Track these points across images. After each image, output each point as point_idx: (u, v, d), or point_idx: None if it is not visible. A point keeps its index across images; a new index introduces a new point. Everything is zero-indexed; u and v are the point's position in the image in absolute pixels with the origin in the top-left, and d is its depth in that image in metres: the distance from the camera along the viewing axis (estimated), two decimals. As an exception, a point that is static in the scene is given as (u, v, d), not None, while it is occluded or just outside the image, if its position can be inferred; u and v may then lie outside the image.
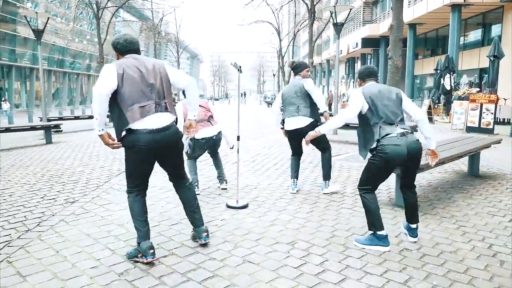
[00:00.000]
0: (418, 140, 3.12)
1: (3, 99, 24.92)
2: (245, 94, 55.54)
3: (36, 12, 10.37)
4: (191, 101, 3.00)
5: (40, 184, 5.22)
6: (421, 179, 5.36)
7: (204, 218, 3.77)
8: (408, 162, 3.11)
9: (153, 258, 2.78)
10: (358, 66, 38.89)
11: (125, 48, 2.85)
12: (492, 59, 13.74)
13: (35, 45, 29.68)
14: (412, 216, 3.26)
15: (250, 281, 2.56)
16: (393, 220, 3.76)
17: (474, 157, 5.73)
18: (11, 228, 3.52)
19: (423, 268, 2.76)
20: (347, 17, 12.81)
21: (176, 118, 2.95)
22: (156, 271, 2.68)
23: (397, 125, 3.07)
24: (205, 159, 6.99)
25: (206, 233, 3.12)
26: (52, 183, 5.27)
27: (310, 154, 6.98)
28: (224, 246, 3.12)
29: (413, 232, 3.27)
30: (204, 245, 3.11)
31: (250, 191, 4.83)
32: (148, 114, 2.72)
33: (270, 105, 30.34)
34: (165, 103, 2.83)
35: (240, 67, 3.94)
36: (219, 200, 4.43)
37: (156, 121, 2.75)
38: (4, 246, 3.10)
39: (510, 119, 13.67)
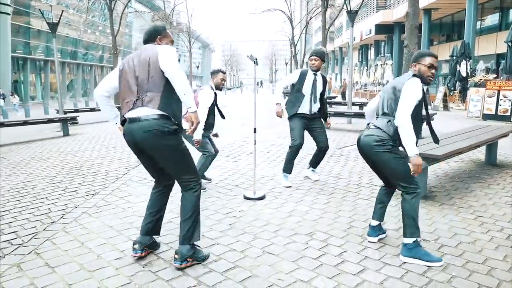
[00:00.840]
0: (368, 134, 2.85)
1: (10, 93, 24.70)
2: (261, 83, 55.19)
3: (51, 5, 10.48)
4: (179, 95, 2.54)
5: (61, 177, 5.35)
6: (437, 169, 5.33)
7: (222, 209, 3.87)
8: (364, 157, 2.99)
9: (134, 254, 2.79)
10: (372, 53, 38.34)
11: (143, 40, 2.89)
12: (510, 44, 13.42)
13: (48, 37, 30.11)
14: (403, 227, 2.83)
15: (270, 271, 2.62)
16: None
17: (491, 146, 5.67)
18: (36, 220, 3.64)
19: (442, 259, 2.78)
20: (361, 4, 12.61)
21: (168, 114, 2.57)
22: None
23: (376, 118, 2.99)
24: (220, 150, 7.06)
25: (177, 255, 2.67)
26: (73, 176, 5.40)
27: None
28: (244, 237, 3.19)
29: (401, 249, 2.83)
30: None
31: (267, 182, 4.88)
32: (128, 110, 2.59)
33: (282, 94, 30.12)
34: (147, 96, 2.53)
35: (256, 59, 3.95)
36: (236, 191, 4.50)
37: (131, 113, 2.60)
38: (31, 238, 3.22)
39: (528, 106, 13.36)
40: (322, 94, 4.79)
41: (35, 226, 3.49)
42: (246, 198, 4.20)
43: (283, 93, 6.08)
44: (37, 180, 5.20)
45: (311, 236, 3.20)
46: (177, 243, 3.04)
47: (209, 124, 4.43)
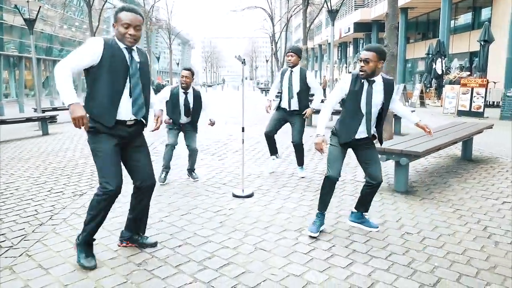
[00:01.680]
0: None
1: None
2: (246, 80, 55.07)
3: (28, 1, 10.22)
4: None
5: (45, 177, 5.28)
6: (417, 165, 5.54)
7: (212, 207, 3.94)
8: None
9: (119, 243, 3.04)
10: (350, 50, 38.90)
11: None
12: (482, 43, 13.93)
13: (22, 33, 29.16)
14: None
15: (263, 267, 2.71)
16: (393, 206, 3.93)
17: (467, 142, 5.92)
18: (24, 222, 3.61)
19: (424, 250, 2.94)
20: (341, 3, 12.82)
21: (88, 113, 2.60)
22: (173, 260, 2.81)
23: None
24: (206, 149, 7.11)
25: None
26: (57, 176, 5.34)
27: (308, 141, 7.12)
28: (235, 234, 3.26)
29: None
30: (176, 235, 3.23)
31: (254, 180, 4.97)
32: None
33: (263, 91, 30.24)
34: None
35: (244, 60, 4.02)
36: (224, 189, 4.56)
37: None
38: (21, 240, 3.20)
39: (499, 102, 13.94)
40: (303, 89, 4.90)
41: (24, 228, 3.46)
42: (234, 196, 4.27)
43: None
44: (20, 181, 5.12)
45: (301, 232, 3.30)
46: (170, 242, 3.11)
47: (174, 119, 4.81)
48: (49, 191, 4.64)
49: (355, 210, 3.43)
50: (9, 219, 3.70)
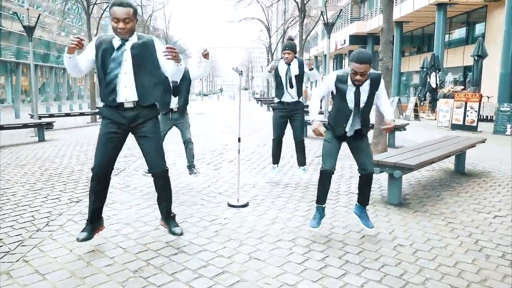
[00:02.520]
0: None
1: None
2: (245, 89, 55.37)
3: (28, 9, 10.29)
4: None
5: (41, 184, 5.30)
6: (411, 178, 5.62)
7: (207, 216, 3.97)
8: None
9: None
10: (346, 62, 39.26)
11: None
12: (476, 58, 14.16)
13: (20, 39, 29.20)
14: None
15: (258, 276, 2.74)
16: (386, 218, 3.99)
17: (460, 156, 6.02)
18: (21, 228, 3.63)
19: (416, 262, 2.99)
20: (337, 16, 13.02)
21: None
22: (168, 268, 2.85)
23: None
24: (201, 158, 7.15)
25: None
26: (53, 183, 5.35)
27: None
28: (230, 243, 3.30)
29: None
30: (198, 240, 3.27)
31: (249, 189, 5.01)
32: None
33: (259, 101, 30.39)
34: None
35: (241, 71, 4.10)
36: (219, 199, 4.60)
37: None
38: (18, 246, 3.22)
39: (492, 116, 14.13)
40: (301, 74, 5.07)
41: (21, 234, 3.48)
42: (230, 205, 4.31)
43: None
44: (16, 187, 5.13)
45: (294, 242, 3.35)
46: (165, 250, 3.14)
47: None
48: (45, 197, 4.65)
49: (358, 204, 3.59)
50: (6, 224, 3.71)
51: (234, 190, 4.88)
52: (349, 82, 3.24)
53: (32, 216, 3.97)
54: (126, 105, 2.97)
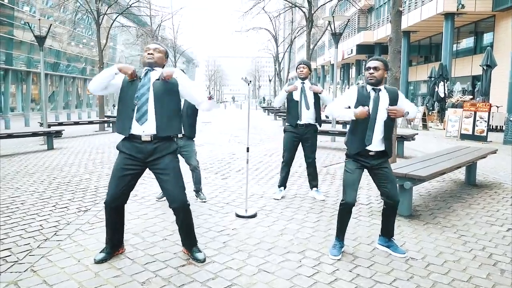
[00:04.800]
0: None
1: None
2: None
3: (39, 19, 10.44)
4: None
5: (50, 192, 5.31)
6: (421, 189, 5.54)
7: (215, 227, 3.94)
8: None
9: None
10: (353, 72, 39.28)
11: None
12: (485, 68, 14.07)
13: (31, 49, 29.66)
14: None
15: (267, 289, 2.70)
16: (397, 230, 3.92)
17: (471, 167, 5.93)
18: (29, 237, 3.63)
19: (429, 276, 2.93)
20: (345, 26, 13.03)
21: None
22: (177, 280, 2.81)
23: None
24: (209, 167, 7.14)
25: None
26: (62, 191, 5.37)
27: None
28: (239, 255, 3.26)
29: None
30: (208, 256, 3.24)
31: (257, 200, 4.98)
32: None
33: (266, 111, 30.42)
34: None
35: (250, 81, 4.10)
36: (227, 209, 4.57)
37: None
38: (26, 255, 3.21)
39: (502, 126, 13.97)
40: (317, 100, 4.86)
41: (29, 243, 3.47)
42: (238, 216, 4.27)
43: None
44: (25, 195, 5.15)
45: (304, 254, 3.30)
46: (173, 261, 3.11)
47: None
48: (54, 206, 4.66)
49: (383, 236, 3.45)
50: (15, 233, 3.72)
51: (242, 200, 4.85)
52: (369, 89, 3.21)
53: (41, 225, 3.97)
54: (144, 138, 2.93)
